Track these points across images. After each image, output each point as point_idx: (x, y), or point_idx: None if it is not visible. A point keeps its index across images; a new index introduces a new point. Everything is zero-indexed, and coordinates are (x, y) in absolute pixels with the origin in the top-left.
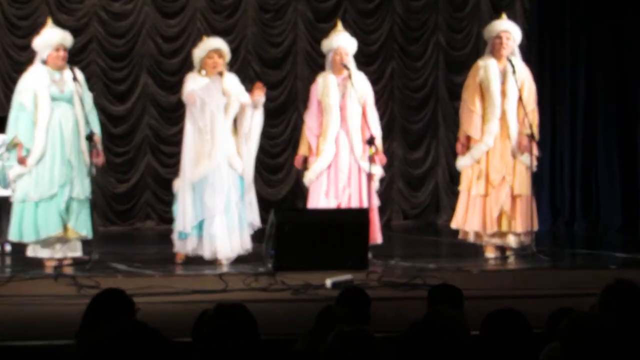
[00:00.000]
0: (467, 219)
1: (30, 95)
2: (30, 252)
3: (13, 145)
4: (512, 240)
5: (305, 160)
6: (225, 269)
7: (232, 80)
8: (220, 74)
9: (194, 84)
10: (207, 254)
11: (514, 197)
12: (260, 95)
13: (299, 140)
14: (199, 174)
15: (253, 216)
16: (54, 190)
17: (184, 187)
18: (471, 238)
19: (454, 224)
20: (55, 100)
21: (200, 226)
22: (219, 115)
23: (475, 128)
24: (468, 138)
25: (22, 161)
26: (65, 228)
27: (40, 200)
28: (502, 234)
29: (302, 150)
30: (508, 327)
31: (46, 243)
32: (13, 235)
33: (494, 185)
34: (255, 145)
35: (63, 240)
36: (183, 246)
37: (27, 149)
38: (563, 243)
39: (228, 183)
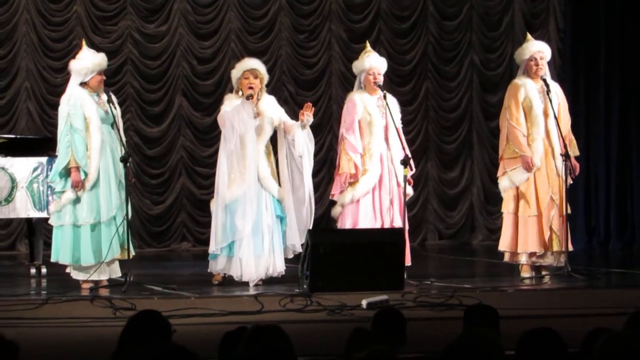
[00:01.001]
0: (518, 240)
1: (80, 118)
2: (76, 275)
3: (67, 171)
4: (562, 260)
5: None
6: (252, 291)
7: (269, 102)
8: (250, 97)
9: (228, 106)
10: (235, 274)
11: (562, 217)
12: (309, 115)
13: (339, 159)
14: (230, 196)
15: (294, 238)
16: (112, 212)
17: (217, 208)
18: (524, 259)
19: (502, 247)
20: (102, 123)
21: (230, 247)
22: (249, 138)
23: (525, 147)
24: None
25: (78, 185)
26: (121, 249)
27: (98, 223)
28: (549, 254)
29: (348, 168)
30: (544, 347)
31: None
32: (63, 258)
33: (543, 205)
34: (311, 166)
35: (111, 261)
36: (214, 266)
37: (85, 171)
38: (598, 262)
39: (259, 205)
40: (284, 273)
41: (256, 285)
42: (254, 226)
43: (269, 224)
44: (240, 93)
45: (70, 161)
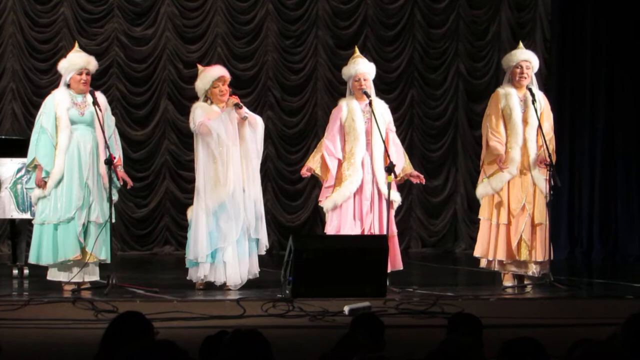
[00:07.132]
0: (491, 247)
1: (50, 118)
2: (50, 276)
3: (33, 167)
4: (532, 269)
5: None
6: (232, 295)
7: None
8: (238, 105)
9: (201, 115)
10: (218, 280)
11: (534, 226)
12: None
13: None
14: (216, 201)
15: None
16: (71, 213)
17: (199, 214)
18: (495, 266)
19: (477, 253)
20: (74, 123)
21: (213, 253)
22: (234, 148)
23: (501, 149)
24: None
25: (40, 183)
26: (83, 252)
27: (59, 223)
28: (521, 263)
29: (312, 164)
30: (524, 356)
31: (64, 266)
32: (32, 257)
33: (514, 214)
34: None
35: (81, 264)
36: (194, 273)
37: (47, 171)
38: (580, 272)
39: (244, 210)
40: (257, 275)
41: (241, 289)
42: (240, 231)
43: (245, 228)
44: (209, 102)
45: (34, 159)
